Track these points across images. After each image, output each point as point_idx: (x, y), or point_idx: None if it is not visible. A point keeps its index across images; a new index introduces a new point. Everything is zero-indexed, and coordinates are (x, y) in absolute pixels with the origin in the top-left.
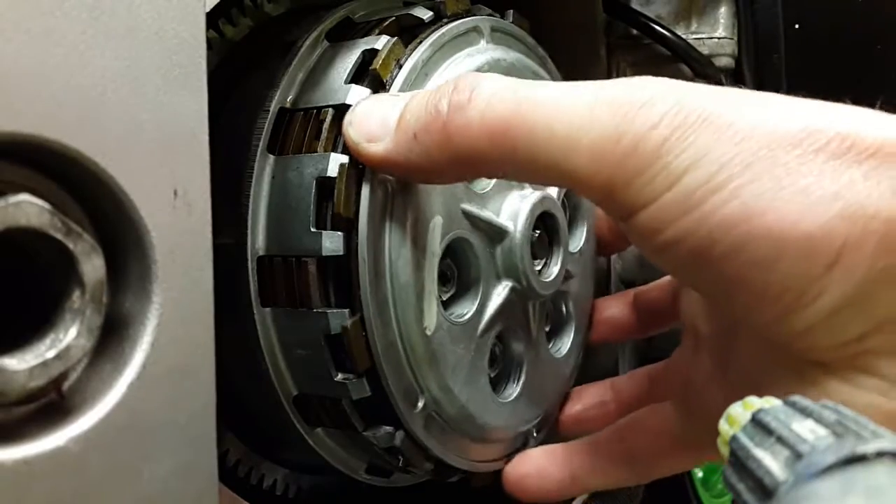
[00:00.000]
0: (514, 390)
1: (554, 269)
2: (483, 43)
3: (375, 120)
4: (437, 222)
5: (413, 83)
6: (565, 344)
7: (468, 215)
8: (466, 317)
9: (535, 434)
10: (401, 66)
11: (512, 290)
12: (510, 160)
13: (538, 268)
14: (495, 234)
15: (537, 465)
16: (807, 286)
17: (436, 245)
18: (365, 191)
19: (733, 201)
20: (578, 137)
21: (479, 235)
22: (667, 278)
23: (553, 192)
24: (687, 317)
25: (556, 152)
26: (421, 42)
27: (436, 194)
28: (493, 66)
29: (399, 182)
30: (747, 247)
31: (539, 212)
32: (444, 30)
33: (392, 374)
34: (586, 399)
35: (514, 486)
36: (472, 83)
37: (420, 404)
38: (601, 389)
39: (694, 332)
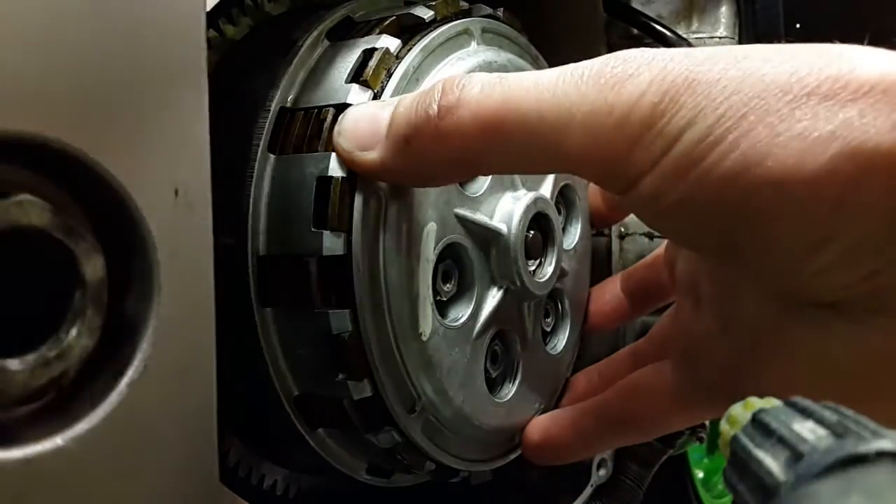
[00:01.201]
0: (510, 390)
1: (548, 269)
2: (474, 45)
3: (365, 128)
4: (430, 229)
5: (405, 90)
6: (561, 341)
7: (462, 220)
8: (461, 321)
9: None
10: (391, 75)
11: (507, 291)
12: (505, 153)
13: (532, 268)
14: (489, 236)
15: (547, 431)
16: (815, 229)
17: (430, 251)
18: (358, 200)
19: (731, 154)
20: (569, 118)
21: (473, 239)
22: (651, 256)
23: (546, 192)
24: (684, 280)
25: (549, 136)
26: (411, 48)
27: (429, 200)
28: (485, 68)
29: (392, 189)
30: (751, 197)
31: (532, 213)
32: (434, 34)
33: (388, 380)
34: (578, 388)
35: (531, 455)
36: (460, 83)
37: (417, 409)
38: (590, 376)
39: (693, 294)
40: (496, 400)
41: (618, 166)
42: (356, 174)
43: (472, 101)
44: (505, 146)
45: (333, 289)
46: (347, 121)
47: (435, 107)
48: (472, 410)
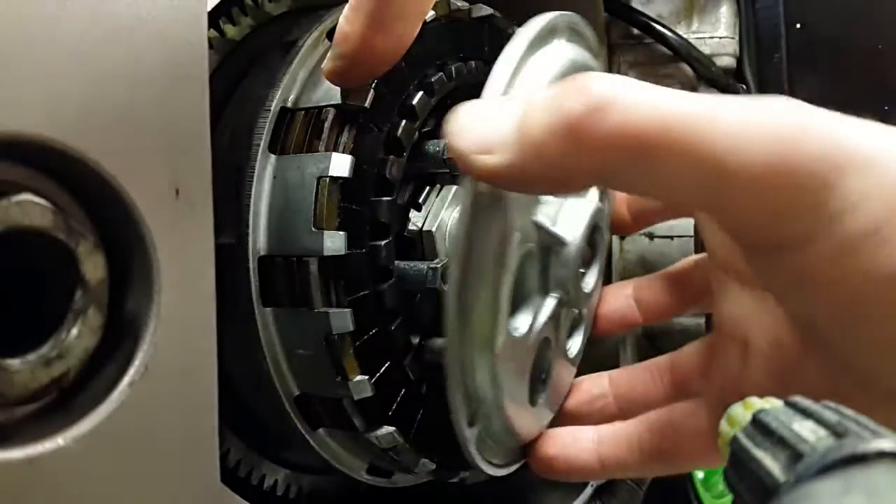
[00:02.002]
0: (542, 397)
1: (591, 280)
2: (558, 42)
3: (487, 128)
4: (516, 238)
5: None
6: (576, 345)
7: (538, 227)
8: (522, 332)
9: None
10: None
11: (559, 301)
12: (650, 174)
13: None
14: (553, 244)
15: (565, 448)
16: None
17: (513, 262)
18: (465, 206)
19: (892, 252)
20: (735, 162)
21: (538, 247)
22: (669, 270)
23: (596, 199)
24: (732, 325)
25: (708, 176)
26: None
27: (518, 206)
28: (571, 68)
29: (490, 194)
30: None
31: (593, 224)
32: (534, 28)
33: (459, 396)
34: (584, 393)
35: (540, 466)
36: (607, 87)
37: (476, 422)
38: (599, 383)
39: (741, 342)
40: (532, 409)
41: (770, 228)
42: (363, 175)
43: (623, 110)
44: (653, 171)
45: (334, 288)
46: (463, 119)
47: (578, 108)
48: (516, 422)
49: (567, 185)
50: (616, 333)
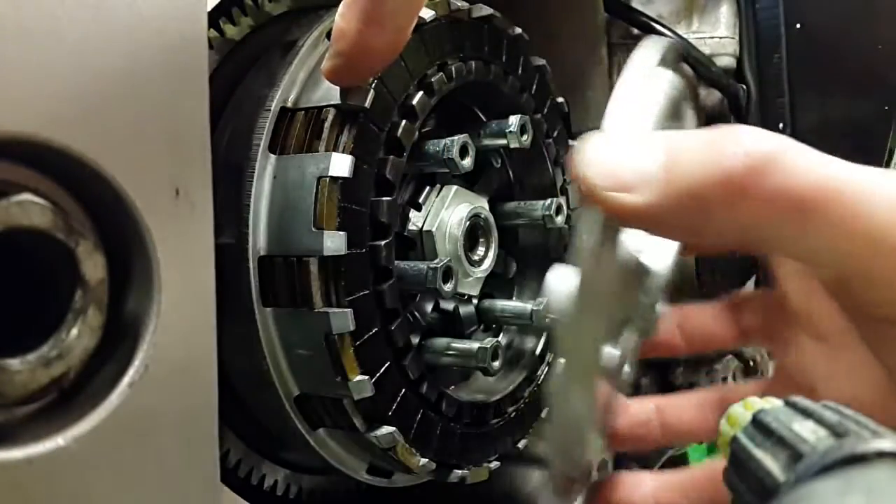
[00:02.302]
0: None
1: (664, 308)
2: (660, 67)
3: (626, 165)
4: (626, 271)
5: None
6: (631, 368)
7: (634, 258)
8: (613, 363)
9: None
10: None
11: (641, 331)
12: (798, 239)
13: None
14: (641, 274)
15: (628, 495)
16: None
17: (621, 294)
18: (590, 241)
19: None
20: (883, 238)
21: (628, 277)
22: (718, 305)
23: None
24: (799, 373)
25: (861, 245)
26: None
27: (626, 238)
28: (679, 97)
29: (612, 229)
30: None
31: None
32: (652, 58)
33: (560, 428)
34: (630, 416)
35: None
36: (770, 145)
37: (563, 455)
38: (645, 408)
39: (809, 390)
40: (597, 436)
41: None
42: (363, 175)
43: (790, 169)
44: (805, 230)
45: (334, 288)
46: (598, 152)
47: (735, 163)
48: (587, 450)
49: (704, 235)
50: (656, 357)
